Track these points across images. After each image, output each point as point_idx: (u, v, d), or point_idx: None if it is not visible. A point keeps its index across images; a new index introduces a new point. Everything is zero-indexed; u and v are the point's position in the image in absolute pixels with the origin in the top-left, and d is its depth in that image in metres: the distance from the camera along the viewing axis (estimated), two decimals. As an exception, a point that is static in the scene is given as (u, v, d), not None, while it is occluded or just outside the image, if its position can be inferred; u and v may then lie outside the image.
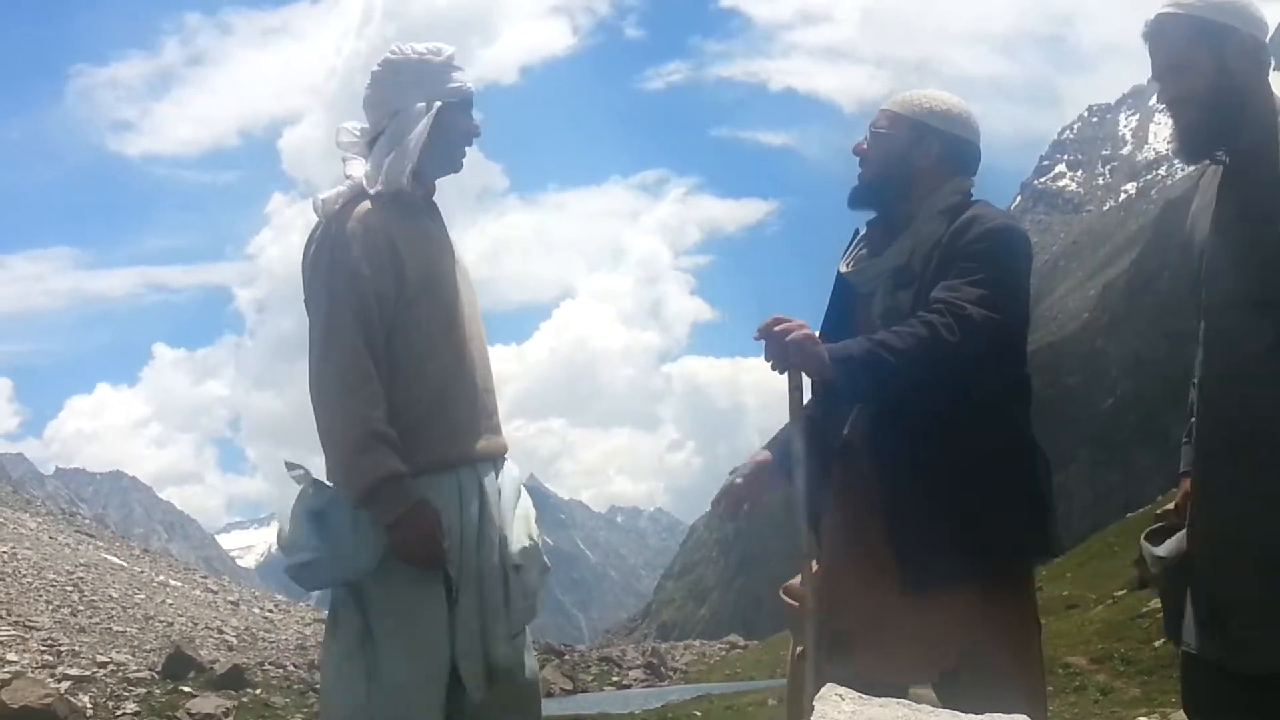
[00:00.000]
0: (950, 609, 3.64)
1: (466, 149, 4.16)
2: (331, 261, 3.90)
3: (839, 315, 3.99)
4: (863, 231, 4.03)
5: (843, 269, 3.99)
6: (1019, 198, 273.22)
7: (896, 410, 3.66)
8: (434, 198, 4.19)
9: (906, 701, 2.96)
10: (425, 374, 3.91)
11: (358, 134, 4.11)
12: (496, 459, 4.05)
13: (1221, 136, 3.59)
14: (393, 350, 3.89)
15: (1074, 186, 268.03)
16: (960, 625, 3.64)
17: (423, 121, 3.98)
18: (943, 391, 3.59)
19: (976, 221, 3.73)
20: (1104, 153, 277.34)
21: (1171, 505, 3.92)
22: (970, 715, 2.93)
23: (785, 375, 3.66)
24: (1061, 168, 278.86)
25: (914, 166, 3.88)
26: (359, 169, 4.02)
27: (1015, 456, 3.76)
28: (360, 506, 3.80)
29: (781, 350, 3.54)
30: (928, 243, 3.78)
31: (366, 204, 3.95)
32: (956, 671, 3.65)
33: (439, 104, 4.01)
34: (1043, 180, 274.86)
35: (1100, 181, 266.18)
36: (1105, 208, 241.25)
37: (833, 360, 3.51)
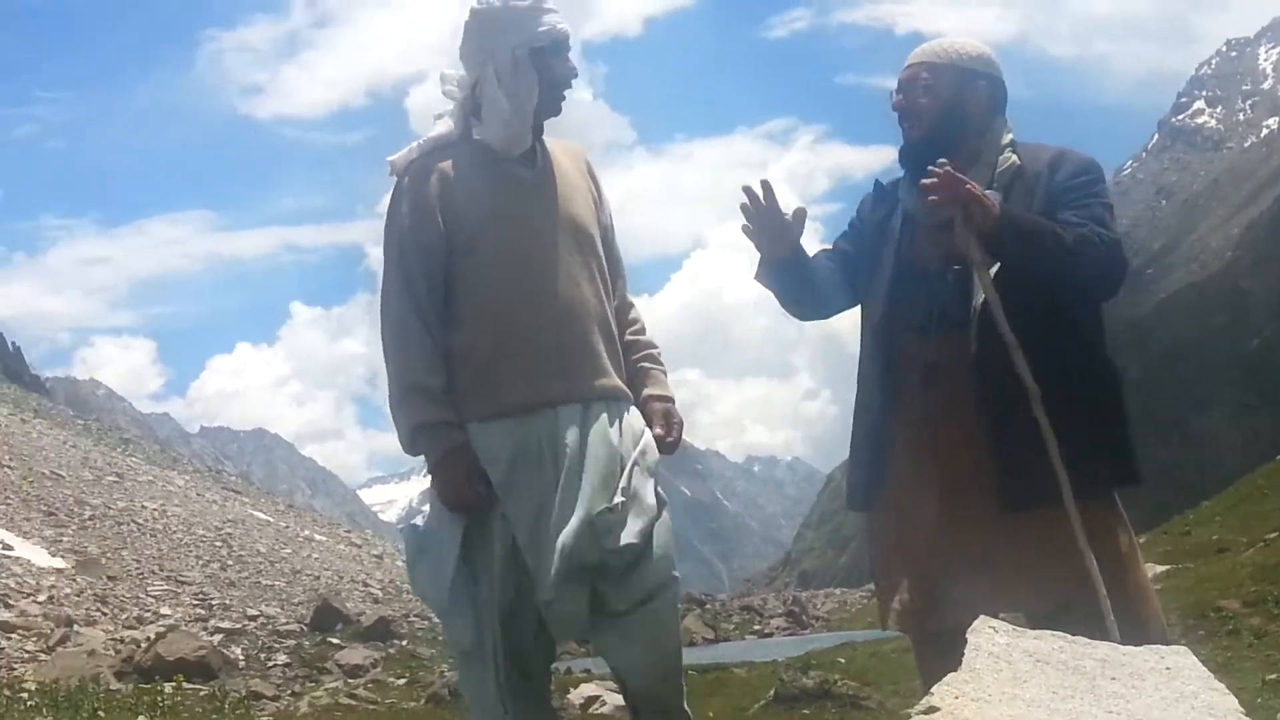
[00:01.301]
0: (1059, 531, 3.66)
1: (565, 92, 4.13)
2: (387, 220, 4.06)
3: (884, 249, 4.14)
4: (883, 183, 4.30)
5: (906, 205, 4.09)
6: (1156, 136, 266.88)
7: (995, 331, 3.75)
8: (542, 137, 4.18)
9: (1061, 634, 2.95)
10: (487, 321, 3.96)
11: (456, 84, 4.13)
12: (589, 402, 3.98)
13: None
14: (452, 299, 3.99)
15: (1213, 123, 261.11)
16: (1072, 548, 3.66)
17: (519, 73, 3.99)
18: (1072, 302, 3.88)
19: (1066, 158, 3.95)
20: (1244, 88, 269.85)
21: None
22: (1129, 647, 2.89)
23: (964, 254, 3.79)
24: (1200, 104, 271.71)
25: (967, 112, 4.03)
26: (443, 126, 4.10)
27: (1111, 381, 3.95)
28: (408, 453, 3.97)
29: (955, 189, 3.68)
30: (1007, 174, 3.94)
31: (428, 159, 4.05)
32: (1071, 599, 3.67)
33: (526, 51, 4.00)
34: (1180, 118, 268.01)
35: (1240, 117, 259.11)
36: (1246, 144, 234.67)
37: (1002, 213, 3.70)
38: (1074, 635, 2.97)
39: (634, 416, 4.09)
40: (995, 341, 3.74)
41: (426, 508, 4.10)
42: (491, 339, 3.94)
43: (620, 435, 3.97)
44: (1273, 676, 9.65)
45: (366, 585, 40.50)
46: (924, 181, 3.72)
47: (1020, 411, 3.71)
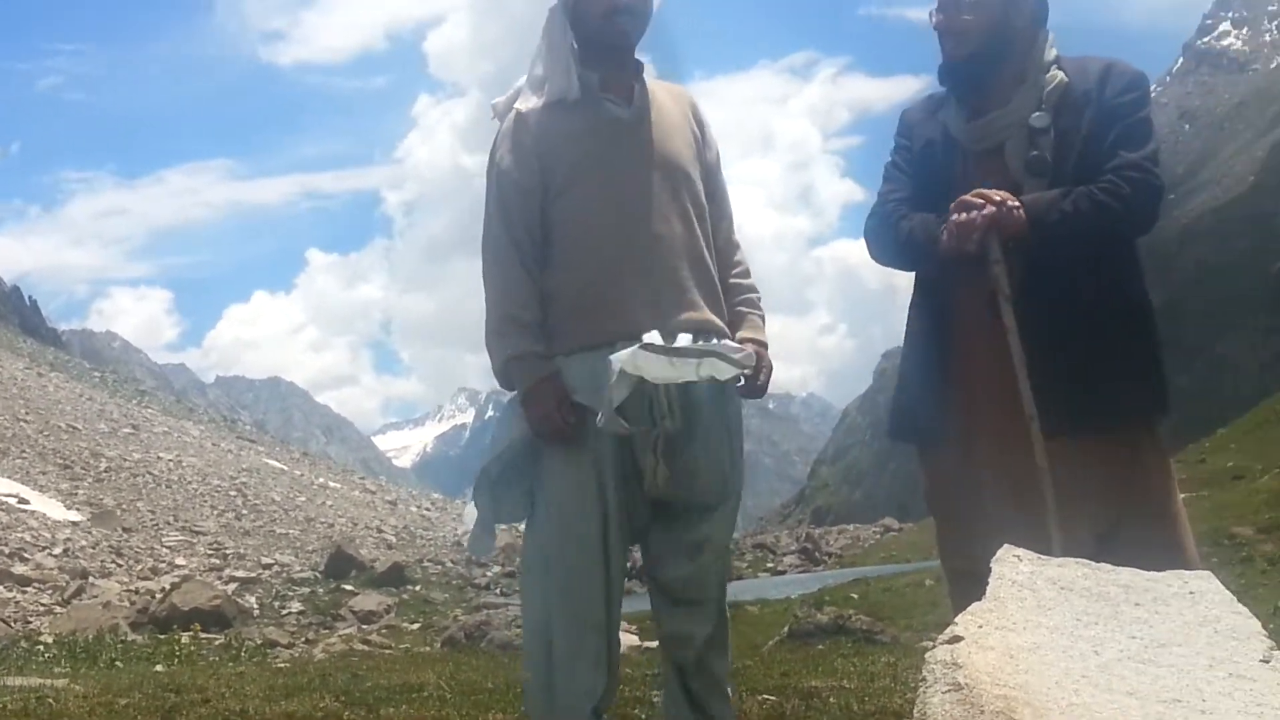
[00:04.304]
0: (1103, 463, 3.66)
1: (619, 19, 4.08)
2: (489, 162, 4.17)
3: (934, 176, 3.97)
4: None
5: (952, 130, 3.97)
6: (1180, 60, 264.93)
7: (1053, 262, 3.70)
8: (642, 76, 4.22)
9: (1085, 561, 2.91)
10: (579, 258, 4.03)
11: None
12: (676, 335, 3.98)
13: None
14: (550, 239, 4.07)
15: (1239, 45, 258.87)
16: (1114, 481, 3.67)
17: (554, 21, 4.11)
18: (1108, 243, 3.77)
19: (1114, 71, 3.85)
20: (1270, 8, 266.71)
21: None
22: (1152, 572, 2.88)
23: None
24: (1225, 26, 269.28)
25: (1012, 27, 3.88)
26: (540, 69, 4.17)
27: (1144, 311, 3.87)
28: (501, 385, 4.08)
29: (975, 228, 3.64)
30: (1056, 93, 3.83)
31: (524, 103, 4.13)
32: (1114, 532, 3.64)
33: (555, 3, 4.11)
34: (1206, 40, 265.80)
35: (1266, 39, 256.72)
36: (1272, 66, 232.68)
37: (1031, 221, 3.65)
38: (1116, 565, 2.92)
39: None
40: (1035, 272, 3.70)
41: (490, 439, 4.18)
42: (582, 274, 4.02)
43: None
44: (1286, 602, 9.63)
45: (380, 532, 40.77)
46: (951, 225, 3.67)
47: (1061, 340, 3.67)
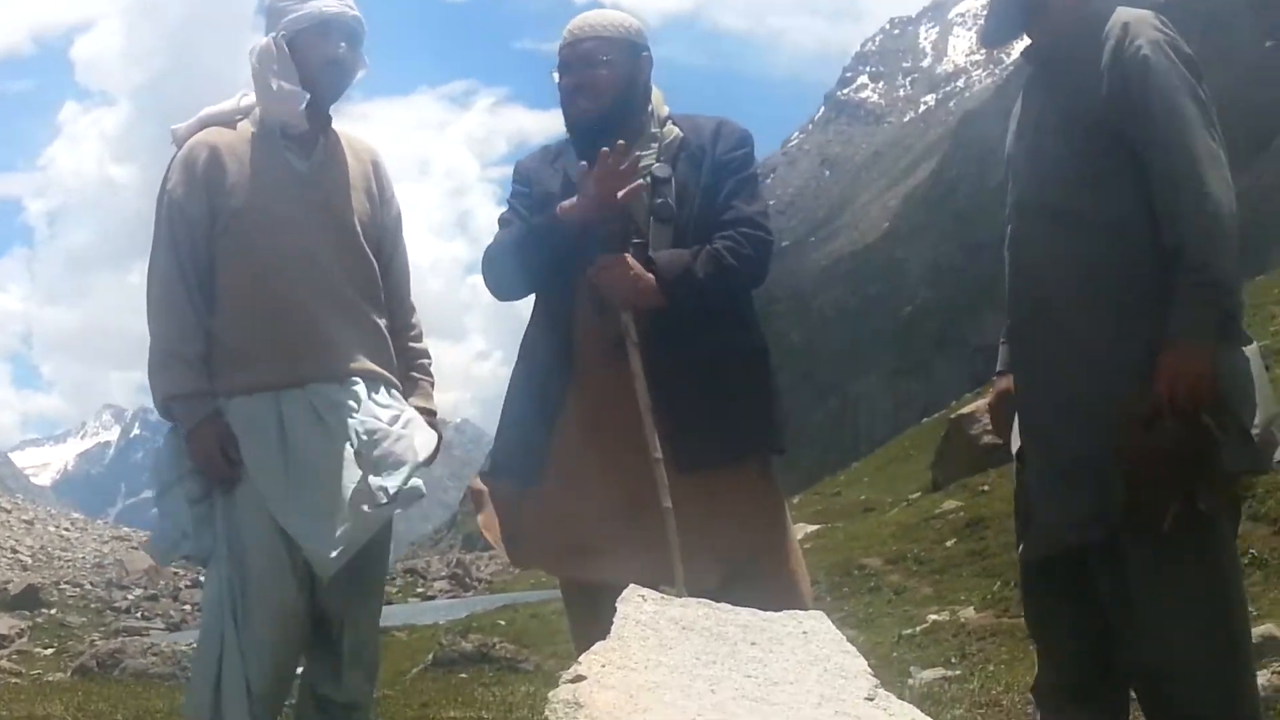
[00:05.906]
0: (724, 501, 3.82)
1: (333, 72, 4.11)
2: (160, 189, 4.07)
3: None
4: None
5: (574, 178, 4.03)
6: (822, 109, 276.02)
7: (677, 311, 3.85)
8: (331, 127, 4.21)
9: (706, 601, 3.01)
10: (246, 299, 4.00)
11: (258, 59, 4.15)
12: (342, 380, 4.02)
13: (1021, 23, 3.69)
14: (215, 277, 4.02)
15: (875, 98, 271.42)
16: (735, 518, 3.83)
17: (280, 58, 4.02)
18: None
19: (725, 129, 4.05)
20: (905, 65, 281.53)
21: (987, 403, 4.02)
22: (769, 612, 3.00)
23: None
24: (863, 79, 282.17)
25: (638, 85, 4.05)
26: (231, 102, 4.16)
27: (760, 356, 4.06)
28: (163, 418, 4.01)
29: (621, 290, 3.80)
30: (673, 146, 4.01)
31: (203, 133, 4.08)
32: (736, 569, 3.81)
33: (270, 38, 4.05)
34: (845, 92, 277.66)
35: (901, 93, 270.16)
36: (906, 119, 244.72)
37: (665, 290, 3.81)
38: (737, 605, 3.03)
39: (383, 397, 4.12)
40: (663, 317, 3.83)
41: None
42: (244, 319, 4.00)
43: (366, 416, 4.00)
44: (908, 631, 10.11)
45: (15, 552, 39.01)
46: (597, 271, 3.82)
47: (683, 383, 3.81)
